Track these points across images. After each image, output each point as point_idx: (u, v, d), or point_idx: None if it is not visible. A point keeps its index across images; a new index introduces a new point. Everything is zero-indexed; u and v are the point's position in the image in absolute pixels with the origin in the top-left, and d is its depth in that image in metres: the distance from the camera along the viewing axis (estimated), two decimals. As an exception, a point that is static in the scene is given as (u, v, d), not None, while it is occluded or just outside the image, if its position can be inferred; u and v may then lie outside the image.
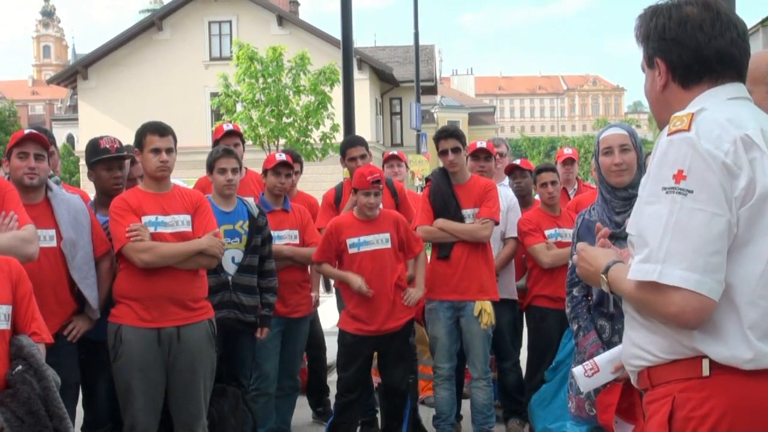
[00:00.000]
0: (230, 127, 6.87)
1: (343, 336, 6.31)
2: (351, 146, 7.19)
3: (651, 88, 2.56)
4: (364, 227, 6.19)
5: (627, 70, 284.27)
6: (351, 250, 6.15)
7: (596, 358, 4.13)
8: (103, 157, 5.57)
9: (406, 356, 6.50)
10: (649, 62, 2.54)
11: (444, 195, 6.50)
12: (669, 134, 2.29)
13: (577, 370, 4.12)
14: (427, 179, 6.95)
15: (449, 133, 6.59)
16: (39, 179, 4.97)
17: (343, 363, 6.31)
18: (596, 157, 4.47)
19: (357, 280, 6.07)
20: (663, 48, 2.48)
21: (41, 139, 5.02)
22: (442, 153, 6.50)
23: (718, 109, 2.32)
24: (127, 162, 5.77)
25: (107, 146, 5.58)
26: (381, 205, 6.29)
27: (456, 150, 6.46)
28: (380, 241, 6.18)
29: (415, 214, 6.78)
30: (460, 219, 6.42)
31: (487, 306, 6.34)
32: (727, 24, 2.43)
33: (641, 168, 4.36)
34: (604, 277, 2.50)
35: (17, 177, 4.93)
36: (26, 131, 5.08)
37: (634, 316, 2.45)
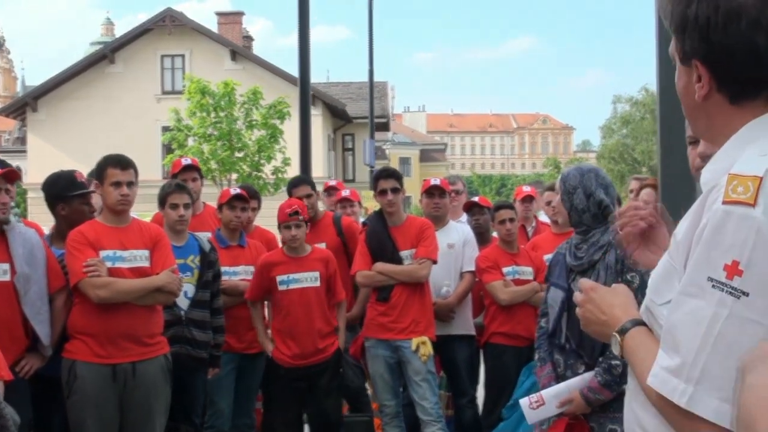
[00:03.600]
0: (188, 161, 6.85)
1: (275, 369, 6.29)
2: (295, 186, 7.25)
3: (686, 91, 1.87)
4: (293, 264, 6.21)
5: (576, 109, 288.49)
6: (280, 287, 6.17)
7: (543, 392, 4.18)
8: (83, 192, 5.51)
9: (336, 389, 6.49)
10: (684, 60, 1.84)
11: (380, 238, 6.53)
12: (726, 202, 1.64)
13: (523, 401, 4.17)
14: (363, 223, 7.00)
15: (389, 173, 6.70)
16: (6, 214, 4.92)
17: (275, 396, 6.35)
18: None
19: (268, 348, 6.24)
20: (706, 50, 1.77)
21: (12, 174, 4.97)
22: (381, 193, 6.54)
23: None
24: None
25: (83, 181, 5.53)
26: (319, 244, 6.41)
27: (395, 190, 6.51)
28: (309, 279, 6.20)
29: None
30: (398, 261, 6.45)
31: (425, 339, 6.34)
32: None
33: (577, 210, 4.28)
34: (618, 337, 1.96)
35: None
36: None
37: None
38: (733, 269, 1.61)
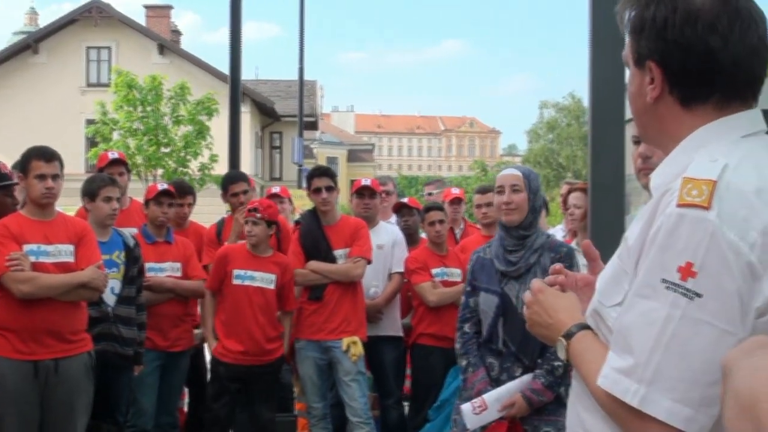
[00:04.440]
0: (116, 155, 6.74)
1: (216, 366, 6.25)
2: (232, 182, 7.17)
3: (637, 93, 1.90)
4: (252, 261, 6.18)
5: (503, 113, 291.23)
6: (235, 281, 6.14)
7: (484, 396, 4.18)
8: (7, 184, 5.34)
9: (274, 393, 6.46)
10: (639, 61, 1.87)
11: (314, 236, 6.51)
12: (680, 205, 1.65)
13: (465, 407, 4.16)
14: (296, 222, 6.97)
15: (323, 171, 6.72)
16: None
17: (214, 394, 6.25)
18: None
19: (212, 344, 6.24)
20: (661, 50, 1.81)
21: None
22: (316, 191, 6.53)
23: (742, 167, 1.70)
24: None
25: (6, 172, 5.38)
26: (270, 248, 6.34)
27: (330, 189, 6.51)
28: (265, 279, 6.19)
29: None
30: (332, 260, 6.44)
31: (355, 339, 6.34)
32: (748, 24, 1.80)
33: (535, 210, 4.41)
34: (563, 341, 1.93)
35: None
36: None
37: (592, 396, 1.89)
38: (686, 271, 1.62)
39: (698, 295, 1.61)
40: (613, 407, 1.71)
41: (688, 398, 1.62)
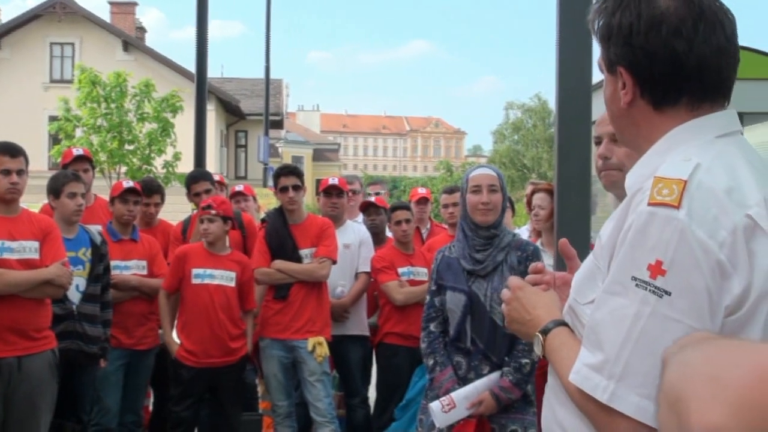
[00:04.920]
0: (80, 151, 6.70)
1: (178, 369, 6.20)
2: (195, 181, 7.16)
3: (612, 99, 1.93)
4: (210, 260, 6.16)
5: (468, 114, 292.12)
6: (194, 281, 6.12)
7: (452, 394, 4.19)
8: None
9: (240, 393, 6.46)
10: (610, 68, 1.91)
11: (280, 235, 6.50)
12: (651, 204, 1.68)
13: (435, 405, 4.17)
14: (262, 220, 6.95)
15: (290, 170, 6.71)
16: None
17: (177, 396, 6.21)
18: (463, 195, 4.52)
19: (173, 348, 6.20)
20: (628, 56, 1.85)
21: None
22: (282, 190, 6.53)
23: (714, 166, 1.72)
24: None
25: None
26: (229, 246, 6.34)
27: (296, 187, 6.51)
28: (225, 277, 6.17)
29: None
30: (298, 259, 6.43)
31: (321, 339, 6.34)
32: (713, 25, 1.81)
33: (504, 210, 4.46)
34: (540, 337, 1.96)
35: None
36: None
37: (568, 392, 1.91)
38: (656, 269, 1.64)
39: (667, 293, 1.63)
40: (584, 403, 1.74)
41: (655, 394, 1.60)
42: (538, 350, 1.97)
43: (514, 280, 2.16)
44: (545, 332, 1.96)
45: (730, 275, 1.63)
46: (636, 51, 1.82)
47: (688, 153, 1.75)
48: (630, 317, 1.66)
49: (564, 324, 1.95)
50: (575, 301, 1.91)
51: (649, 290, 1.64)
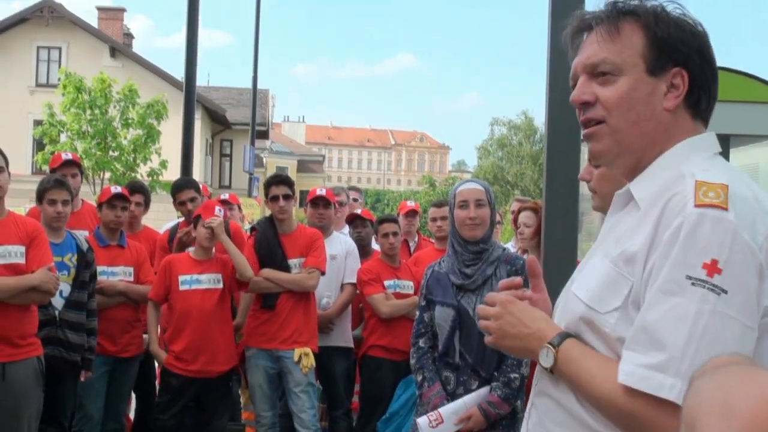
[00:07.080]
0: (69, 156, 6.66)
1: (167, 377, 6.18)
2: (180, 190, 7.15)
3: (646, 101, 1.88)
4: (196, 266, 6.16)
5: (453, 129, 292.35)
6: (182, 287, 6.09)
7: (440, 409, 4.19)
8: None
9: (227, 402, 6.43)
10: (655, 68, 1.87)
11: (270, 244, 6.50)
12: (698, 205, 1.70)
13: (422, 421, 4.17)
14: (252, 228, 6.94)
15: (281, 179, 6.70)
16: None
17: (164, 405, 6.17)
18: (451, 210, 4.53)
19: (160, 358, 6.17)
20: (689, 57, 1.85)
21: None
22: (273, 199, 6.53)
23: (734, 177, 1.78)
24: None
25: None
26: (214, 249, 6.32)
27: (287, 197, 6.51)
28: (212, 280, 6.15)
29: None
30: (286, 268, 6.42)
31: (307, 350, 6.33)
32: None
33: (493, 224, 4.48)
34: (552, 349, 1.89)
35: None
36: None
37: (571, 410, 1.88)
38: (712, 268, 1.66)
39: (724, 291, 1.64)
40: (633, 406, 1.70)
41: None
42: (546, 363, 1.90)
43: (500, 295, 2.10)
44: (557, 344, 1.89)
45: (765, 278, 1.68)
46: (694, 52, 1.86)
47: (701, 165, 1.81)
48: (691, 315, 1.65)
49: (569, 335, 1.90)
50: (592, 311, 1.86)
51: (708, 288, 1.65)
